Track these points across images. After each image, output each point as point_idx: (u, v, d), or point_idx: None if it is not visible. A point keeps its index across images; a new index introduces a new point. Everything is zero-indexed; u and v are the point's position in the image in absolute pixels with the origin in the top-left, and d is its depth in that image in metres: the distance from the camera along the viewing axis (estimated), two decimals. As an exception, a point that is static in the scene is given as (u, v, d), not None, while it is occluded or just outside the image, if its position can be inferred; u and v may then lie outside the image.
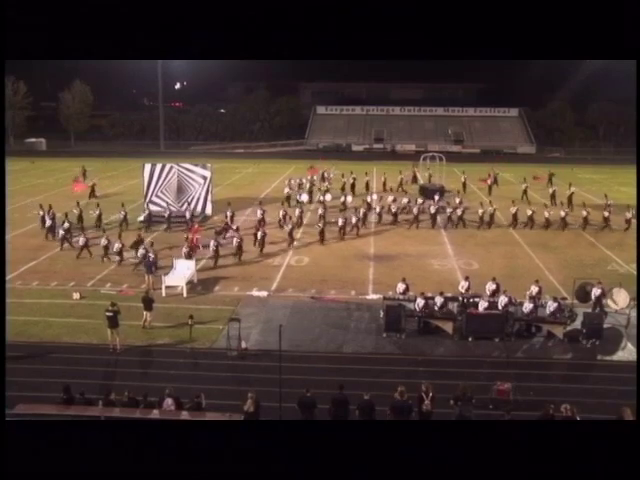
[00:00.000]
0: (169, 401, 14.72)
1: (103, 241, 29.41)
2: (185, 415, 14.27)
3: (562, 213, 36.63)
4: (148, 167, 38.87)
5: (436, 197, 40.55)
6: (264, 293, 25.35)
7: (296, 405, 15.12)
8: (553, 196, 43.25)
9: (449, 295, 22.55)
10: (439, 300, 21.82)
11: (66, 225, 31.90)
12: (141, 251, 27.58)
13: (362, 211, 36.35)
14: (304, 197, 41.41)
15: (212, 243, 29.04)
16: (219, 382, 18.10)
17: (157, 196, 38.37)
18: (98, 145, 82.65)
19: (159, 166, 38.96)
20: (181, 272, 25.74)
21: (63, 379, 16.04)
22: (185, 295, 24.76)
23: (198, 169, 38.85)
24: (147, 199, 38.37)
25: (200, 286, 26.04)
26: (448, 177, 48.95)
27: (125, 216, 35.27)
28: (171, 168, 38.72)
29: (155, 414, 14.22)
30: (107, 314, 20.13)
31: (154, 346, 20.65)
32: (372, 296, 25.08)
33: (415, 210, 37.55)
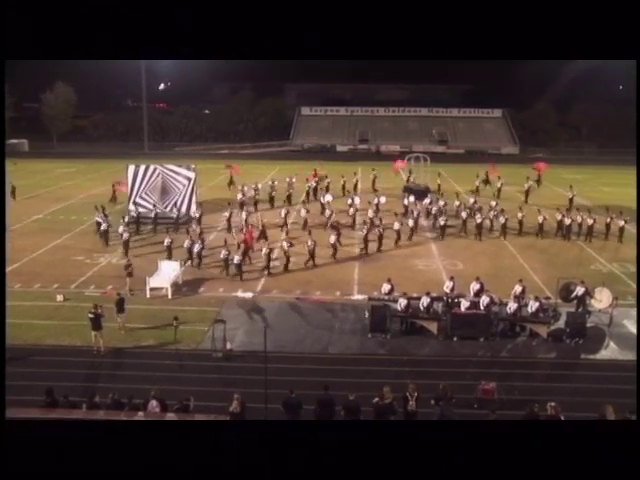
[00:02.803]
0: (154, 403, 14.66)
1: (186, 243, 29.16)
2: (170, 417, 14.20)
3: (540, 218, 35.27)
4: (132, 168, 38.63)
5: (426, 200, 39.98)
6: (249, 294, 25.31)
7: (281, 406, 15.12)
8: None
9: (434, 295, 22.62)
10: (425, 300, 21.89)
11: (124, 228, 31.33)
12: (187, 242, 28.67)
13: (416, 212, 35.55)
14: (328, 197, 40.09)
15: (285, 244, 28.70)
16: (204, 384, 18.04)
17: (141, 197, 38.15)
18: (82, 146, 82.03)
19: (143, 167, 38.75)
20: (166, 273, 25.65)
21: (46, 382, 15.93)
22: (170, 296, 24.67)
23: (182, 170, 38.65)
24: (131, 200, 38.18)
25: (185, 287, 25.95)
26: (432, 177, 49.03)
27: (138, 217, 35.44)
28: (155, 169, 38.51)
29: (140, 416, 14.14)
30: (89, 316, 20.05)
31: (139, 348, 20.56)
32: (357, 297, 25.11)
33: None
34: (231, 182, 48.11)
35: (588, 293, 22.86)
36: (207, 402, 15.60)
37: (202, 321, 22.34)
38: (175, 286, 25.52)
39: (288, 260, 28.43)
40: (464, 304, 21.81)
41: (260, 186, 43.44)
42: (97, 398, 14.77)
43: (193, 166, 39.55)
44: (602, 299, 22.90)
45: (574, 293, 22.94)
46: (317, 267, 28.84)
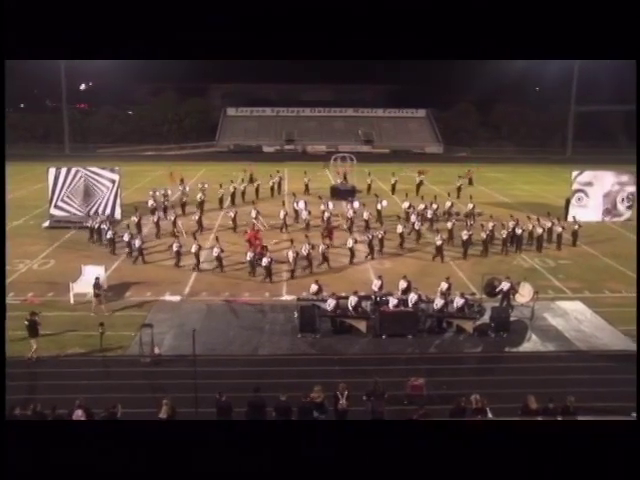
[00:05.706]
0: (79, 412, 14.22)
1: (194, 247, 28.45)
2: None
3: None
4: (53, 171, 37.47)
5: (355, 203, 39.16)
6: (177, 297, 24.93)
7: (214, 409, 14.96)
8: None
9: (362, 294, 22.83)
10: (353, 299, 22.06)
11: (130, 235, 30.40)
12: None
13: (413, 218, 34.82)
14: (301, 205, 38.70)
15: (307, 246, 28.16)
16: (133, 390, 17.64)
17: (63, 201, 37.07)
18: (-2, 148, 78.83)
19: (64, 170, 37.61)
20: (90, 278, 24.93)
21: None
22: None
23: (106, 172, 37.78)
24: (52, 204, 37.02)
25: (111, 292, 25.30)
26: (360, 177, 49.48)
27: (140, 220, 34.23)
28: (77, 172, 37.47)
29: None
30: (25, 323, 19.59)
31: (63, 356, 19.93)
32: (286, 297, 25.10)
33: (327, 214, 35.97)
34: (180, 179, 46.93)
35: (513, 288, 23.55)
36: (136, 409, 15.28)
37: (129, 326, 21.85)
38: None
39: (311, 262, 28.25)
40: (392, 302, 22.09)
41: (170, 192, 42.39)
42: (17, 410, 14.21)
43: (117, 168, 38.71)
44: (524, 294, 23.63)
45: (498, 288, 23.60)
46: (244, 269, 28.51)
